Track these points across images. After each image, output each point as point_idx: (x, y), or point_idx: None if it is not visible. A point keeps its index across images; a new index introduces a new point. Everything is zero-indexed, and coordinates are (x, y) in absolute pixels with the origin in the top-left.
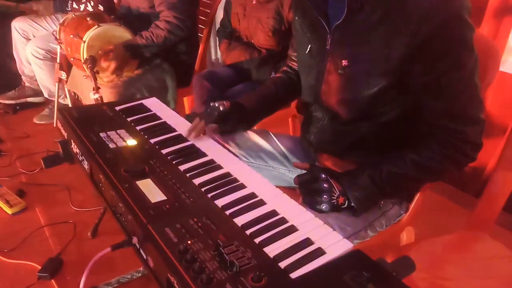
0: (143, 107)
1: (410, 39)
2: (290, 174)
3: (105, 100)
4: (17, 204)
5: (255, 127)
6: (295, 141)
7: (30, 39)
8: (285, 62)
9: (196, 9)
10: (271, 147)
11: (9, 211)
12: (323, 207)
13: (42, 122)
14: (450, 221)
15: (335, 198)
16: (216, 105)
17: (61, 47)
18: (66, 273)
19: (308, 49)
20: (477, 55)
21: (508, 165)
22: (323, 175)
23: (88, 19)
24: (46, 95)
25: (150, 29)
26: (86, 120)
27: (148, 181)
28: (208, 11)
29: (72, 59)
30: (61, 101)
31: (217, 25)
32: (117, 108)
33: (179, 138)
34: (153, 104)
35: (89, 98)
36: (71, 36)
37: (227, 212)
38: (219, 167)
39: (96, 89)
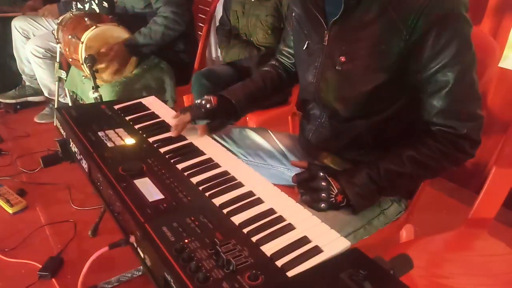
0: (141, 105)
1: (406, 35)
2: (288, 173)
3: (104, 99)
4: (18, 204)
5: (254, 125)
6: (293, 139)
7: (30, 38)
8: (275, 55)
9: (191, 5)
10: (270, 145)
11: (10, 210)
12: (322, 205)
13: (43, 121)
14: (451, 218)
15: (333, 196)
16: (203, 102)
17: (60, 46)
18: (67, 272)
19: (306, 46)
20: (474, 51)
21: (507, 162)
22: (321, 174)
23: (86, 19)
24: (46, 94)
25: (148, 25)
26: (85, 119)
27: (146, 180)
28: (208, 9)
29: (70, 59)
30: (61, 100)
31: (217, 23)
32: (116, 107)
33: (177, 137)
34: (152, 102)
35: (89, 97)
36: (69, 36)
37: (225, 211)
38: (217, 165)
39: (96, 88)
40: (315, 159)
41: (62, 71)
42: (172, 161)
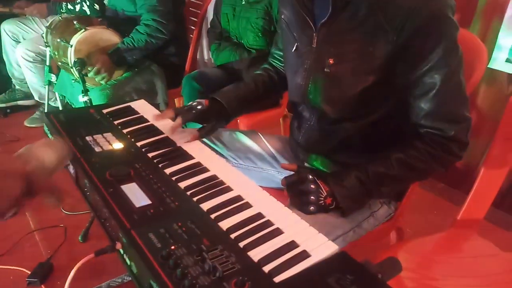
0: (130, 109)
1: (394, 38)
2: (279, 175)
3: (94, 103)
4: None
5: (245, 128)
6: (284, 142)
7: (20, 42)
8: (267, 59)
9: (181, 10)
10: (260, 148)
11: None
12: (311, 208)
13: (33, 125)
14: (442, 219)
15: (322, 199)
16: (194, 104)
17: (49, 50)
18: (57, 278)
19: (295, 48)
20: (461, 53)
21: (495, 163)
22: (310, 176)
23: (75, 22)
24: (36, 98)
25: (131, 34)
26: (73, 124)
27: (133, 185)
28: (199, 11)
29: (59, 63)
30: (52, 104)
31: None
32: (105, 111)
33: (166, 141)
34: (141, 106)
35: (78, 101)
36: (58, 40)
37: (212, 216)
38: (205, 169)
39: (85, 92)
40: (305, 162)
41: (52, 74)
42: (160, 165)
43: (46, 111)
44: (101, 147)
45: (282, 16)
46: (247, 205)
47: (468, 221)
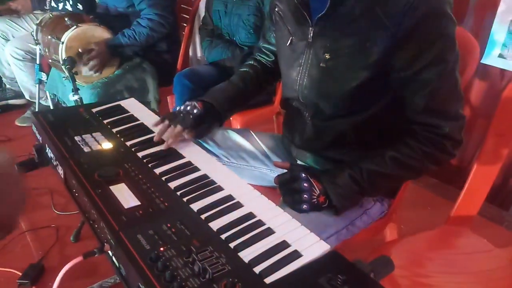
0: (120, 108)
1: (391, 33)
2: (271, 174)
3: (85, 102)
4: None
5: (238, 126)
6: (276, 139)
7: (9, 40)
8: (253, 54)
9: (175, 6)
10: (252, 146)
11: None
12: (304, 207)
13: (24, 125)
14: (435, 215)
15: (315, 197)
16: (188, 108)
17: (39, 48)
18: (48, 279)
19: (289, 42)
20: (458, 50)
21: (488, 159)
22: (303, 175)
23: (66, 19)
24: (27, 97)
25: (132, 27)
26: (62, 124)
27: (122, 185)
28: (190, 8)
29: (50, 60)
30: (43, 102)
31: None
32: (94, 110)
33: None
34: (131, 105)
35: (69, 99)
36: (49, 37)
37: (203, 216)
38: (196, 169)
39: (75, 90)
40: (298, 159)
41: (42, 73)
42: (150, 165)
43: (36, 110)
44: (90, 147)
45: (276, 9)
46: (238, 205)
47: (462, 218)
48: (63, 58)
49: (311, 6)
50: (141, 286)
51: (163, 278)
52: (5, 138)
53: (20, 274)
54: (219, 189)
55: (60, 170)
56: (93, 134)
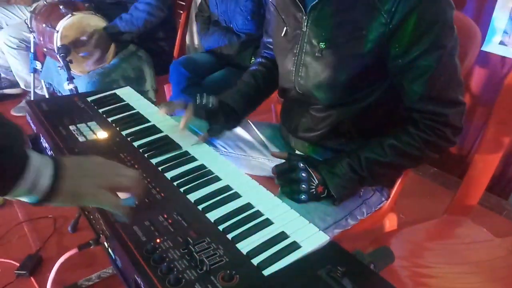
0: (116, 97)
1: (387, 19)
2: (269, 163)
3: (80, 91)
4: None
5: None
6: (274, 129)
7: (3, 28)
8: (260, 52)
9: None
10: (250, 136)
11: None
12: (302, 197)
13: (20, 114)
14: (435, 204)
15: (313, 187)
16: (204, 101)
17: (34, 36)
18: (46, 270)
19: (284, 32)
20: (457, 35)
21: (489, 148)
22: (301, 164)
23: (61, 7)
24: (22, 86)
25: (129, 11)
26: (56, 113)
27: None
28: None
29: (45, 49)
30: (38, 92)
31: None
32: (89, 99)
33: (153, 129)
34: (127, 93)
35: (64, 88)
36: (44, 25)
37: (200, 207)
38: (193, 159)
39: (70, 79)
40: (296, 149)
41: (37, 62)
42: (146, 155)
43: (32, 99)
44: (85, 136)
45: (270, 0)
46: (236, 195)
47: (462, 207)
48: (57, 46)
49: None
50: (137, 278)
51: (159, 270)
52: None
53: (18, 264)
54: (217, 179)
55: None
56: (88, 123)
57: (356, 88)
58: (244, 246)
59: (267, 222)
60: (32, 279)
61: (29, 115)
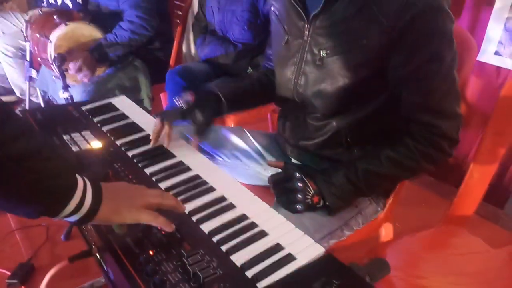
0: (111, 106)
1: (388, 30)
2: (265, 173)
3: (75, 100)
4: None
5: (232, 123)
6: (270, 138)
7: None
8: (263, 63)
9: (165, 3)
10: (246, 145)
11: None
12: (298, 207)
13: None
14: (431, 212)
15: (309, 197)
16: (178, 104)
17: (29, 45)
18: (38, 279)
19: (285, 41)
20: (456, 48)
21: (485, 158)
22: (297, 174)
23: (55, 16)
24: (18, 94)
25: (114, 30)
26: (50, 122)
27: None
28: (183, 4)
29: (39, 58)
30: (33, 100)
31: None
32: (84, 108)
33: (147, 139)
34: (122, 102)
35: (60, 97)
36: (38, 35)
37: (194, 218)
38: (187, 169)
39: (65, 88)
40: (292, 158)
41: (33, 70)
42: (140, 165)
43: (27, 107)
44: (79, 146)
45: (272, 8)
46: (231, 206)
47: (458, 218)
48: (52, 57)
49: (306, 3)
50: None
51: (152, 283)
52: None
53: (9, 273)
54: (211, 190)
55: None
56: (83, 132)
57: (355, 98)
58: (238, 258)
59: (262, 234)
60: None
61: None
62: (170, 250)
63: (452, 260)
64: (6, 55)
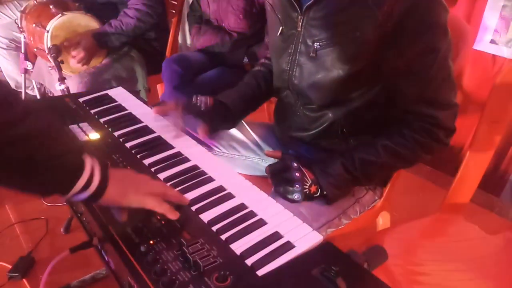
0: (108, 97)
1: (382, 22)
2: (263, 163)
3: (72, 91)
4: None
5: None
6: (268, 128)
7: None
8: (260, 51)
9: None
10: (243, 136)
11: None
12: (295, 197)
13: None
14: (428, 201)
15: (307, 187)
16: (198, 101)
17: (24, 36)
18: (38, 271)
19: (280, 31)
20: (450, 37)
21: (481, 146)
22: (295, 164)
23: (51, 6)
24: (13, 86)
25: (119, 17)
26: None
27: None
28: None
29: (35, 49)
30: (29, 92)
31: None
32: (81, 99)
33: (145, 130)
34: (119, 94)
35: (56, 89)
36: (34, 25)
37: (193, 208)
38: (186, 159)
39: (61, 79)
40: (289, 148)
41: (28, 62)
42: (138, 156)
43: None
44: (77, 137)
45: None
46: (229, 196)
47: (454, 205)
48: (48, 47)
49: None
50: (130, 280)
51: (153, 272)
52: None
53: (10, 267)
54: (210, 180)
55: None
56: (80, 124)
57: (350, 89)
58: (238, 247)
59: (261, 222)
60: (25, 281)
61: None
62: (170, 239)
63: (449, 247)
64: (0, 47)
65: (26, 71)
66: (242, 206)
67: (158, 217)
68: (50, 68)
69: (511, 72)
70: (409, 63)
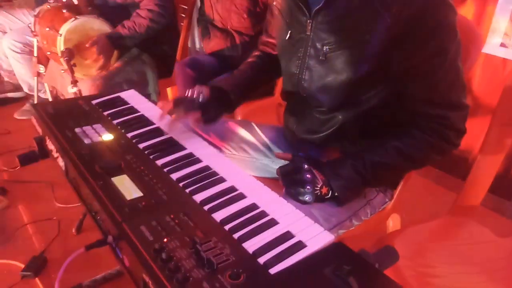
0: (120, 100)
1: (391, 24)
2: (273, 165)
3: (84, 94)
4: None
5: (238, 118)
6: (278, 131)
7: (7, 33)
8: (257, 47)
9: None
10: (254, 138)
11: None
12: (307, 198)
13: (23, 118)
14: (438, 205)
15: (318, 188)
16: (196, 93)
17: (37, 40)
18: (51, 271)
19: (288, 35)
20: (459, 38)
21: (491, 149)
22: (306, 166)
23: (64, 11)
24: (26, 89)
25: (132, 18)
26: (61, 115)
27: (124, 177)
28: None
29: (48, 53)
30: (41, 95)
31: None
32: (94, 102)
33: (157, 131)
34: (131, 96)
35: (68, 92)
36: (47, 29)
37: (206, 207)
38: (198, 160)
39: (74, 82)
40: (300, 151)
41: (40, 65)
42: (151, 157)
43: (35, 103)
44: (91, 138)
45: (274, 3)
46: (241, 196)
47: (465, 208)
48: (61, 50)
49: None
50: (145, 277)
51: (167, 269)
52: (5, 131)
53: (23, 266)
54: (222, 180)
55: (61, 162)
56: (94, 125)
57: (360, 91)
58: (250, 245)
59: (273, 222)
60: (37, 280)
61: (34, 117)
62: (183, 237)
63: (459, 250)
64: (13, 51)
65: (38, 74)
66: (253, 206)
67: (172, 216)
68: (62, 71)
69: None
70: (419, 64)
